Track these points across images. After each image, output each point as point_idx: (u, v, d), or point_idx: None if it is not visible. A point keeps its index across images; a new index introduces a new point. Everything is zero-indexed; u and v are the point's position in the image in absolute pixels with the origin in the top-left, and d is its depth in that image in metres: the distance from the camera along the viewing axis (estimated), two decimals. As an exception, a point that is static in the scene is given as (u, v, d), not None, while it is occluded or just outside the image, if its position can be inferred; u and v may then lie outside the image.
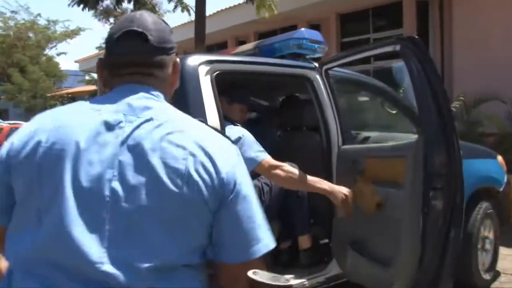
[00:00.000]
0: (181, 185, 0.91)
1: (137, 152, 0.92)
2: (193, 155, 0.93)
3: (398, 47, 2.22)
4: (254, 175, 2.70)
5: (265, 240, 0.98)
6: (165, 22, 1.10)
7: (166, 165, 0.91)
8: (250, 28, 12.09)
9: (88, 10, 9.59)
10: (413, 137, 3.67)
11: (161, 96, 1.05)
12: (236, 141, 2.45)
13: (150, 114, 0.98)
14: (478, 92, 6.92)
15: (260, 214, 0.99)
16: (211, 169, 0.94)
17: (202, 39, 8.40)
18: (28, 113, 26.96)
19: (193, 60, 2.44)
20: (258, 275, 0.92)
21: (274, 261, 2.86)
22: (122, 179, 0.90)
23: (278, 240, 2.88)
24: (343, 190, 2.36)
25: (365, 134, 3.85)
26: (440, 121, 2.08)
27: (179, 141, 0.94)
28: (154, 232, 0.90)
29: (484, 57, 7.54)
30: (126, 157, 0.92)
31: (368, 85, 3.50)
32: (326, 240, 2.95)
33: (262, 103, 3.96)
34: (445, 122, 2.08)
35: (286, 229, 2.90)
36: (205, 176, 0.93)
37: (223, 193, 0.94)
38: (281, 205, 2.80)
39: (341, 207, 2.36)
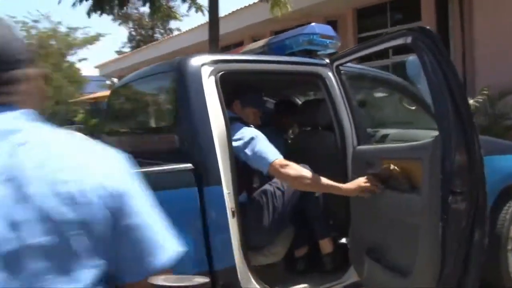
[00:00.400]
0: (68, 212, 0.79)
1: (13, 183, 0.79)
2: (75, 177, 0.83)
3: (409, 39, 2.06)
4: (266, 179, 2.58)
5: (168, 246, 0.91)
6: (15, 30, 0.94)
7: (48, 193, 0.79)
8: (266, 27, 11.97)
9: (108, 14, 9.56)
10: (434, 134, 3.52)
11: (29, 114, 0.90)
12: (248, 143, 2.38)
13: (21, 138, 0.84)
14: (503, 84, 6.66)
15: (158, 221, 0.91)
16: (97, 189, 0.83)
17: (216, 40, 8.31)
18: (51, 120, 27.44)
19: (196, 61, 2.32)
20: (163, 280, 0.85)
21: (290, 269, 2.74)
22: (0, 217, 0.77)
23: (293, 247, 2.75)
24: (360, 183, 2.29)
25: (383, 131, 3.69)
26: (457, 119, 1.91)
27: (59, 165, 0.83)
28: (47, 274, 0.78)
29: (508, 49, 7.27)
30: (1, 192, 0.78)
31: (385, 80, 3.32)
32: (344, 240, 2.82)
33: (272, 101, 3.82)
34: (463, 119, 1.91)
35: (302, 235, 2.77)
36: (92, 198, 0.82)
37: (114, 210, 0.84)
38: (296, 210, 2.67)
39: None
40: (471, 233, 1.91)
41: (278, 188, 2.55)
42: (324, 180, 2.32)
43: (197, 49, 13.66)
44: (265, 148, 2.37)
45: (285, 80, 3.08)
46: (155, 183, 2.01)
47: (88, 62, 44.41)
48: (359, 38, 10.68)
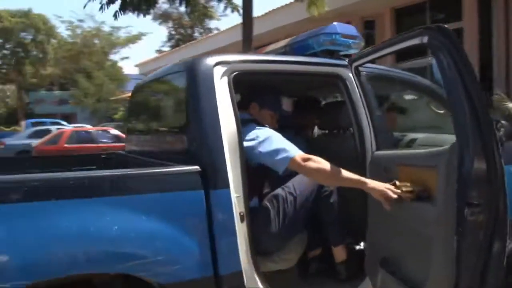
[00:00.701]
0: None
1: None
2: None
3: (425, 39, 1.94)
4: (279, 183, 2.52)
5: None
6: None
7: None
8: (302, 27, 11.81)
9: (144, 14, 9.66)
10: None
11: None
12: (263, 141, 2.33)
13: None
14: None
15: None
16: None
17: (249, 39, 8.28)
18: (93, 117, 28.25)
19: (208, 61, 2.28)
20: None
21: (302, 275, 2.66)
22: None
23: (306, 249, 2.67)
24: (385, 187, 2.12)
25: (411, 136, 3.55)
26: (475, 124, 1.78)
27: None
28: None
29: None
30: None
31: (410, 82, 3.17)
32: (362, 245, 2.71)
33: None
34: (482, 125, 1.78)
35: (316, 239, 2.69)
36: None
37: None
38: (309, 215, 2.59)
39: (383, 201, 2.12)
40: (490, 245, 1.78)
41: (290, 193, 2.48)
42: (349, 173, 2.20)
43: (234, 49, 13.70)
44: (283, 145, 2.30)
45: (303, 81, 3.00)
46: (162, 185, 2.02)
47: (130, 61, 45.49)
48: (397, 39, 10.41)
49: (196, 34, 30.35)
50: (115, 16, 8.58)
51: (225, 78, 2.28)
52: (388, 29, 10.42)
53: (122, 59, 37.28)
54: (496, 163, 1.75)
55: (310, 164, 2.21)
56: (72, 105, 30.55)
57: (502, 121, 2.93)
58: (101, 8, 8.53)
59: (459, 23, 9.07)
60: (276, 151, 2.28)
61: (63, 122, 22.72)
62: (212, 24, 30.01)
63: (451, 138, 3.48)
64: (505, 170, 2.93)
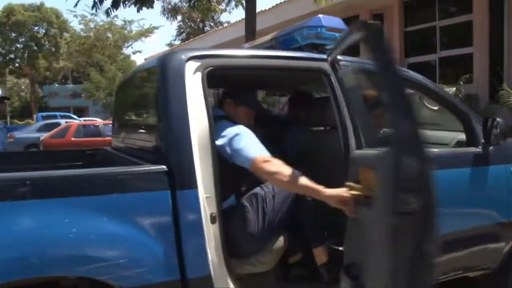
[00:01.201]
0: None
1: None
2: None
3: (360, 35, 1.89)
4: (258, 182, 2.43)
5: None
6: None
7: None
8: (309, 20, 11.70)
9: (147, 8, 9.59)
10: (460, 136, 3.20)
11: None
12: (232, 139, 2.25)
13: None
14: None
15: None
16: None
17: (253, 33, 8.17)
18: (104, 110, 28.42)
19: (180, 56, 2.19)
20: None
21: (282, 278, 2.57)
22: None
23: (286, 253, 2.57)
24: (341, 192, 2.06)
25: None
26: (406, 127, 1.70)
27: None
28: None
29: None
30: None
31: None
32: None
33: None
34: (413, 128, 1.70)
35: (297, 241, 2.59)
36: None
37: None
38: (289, 215, 2.49)
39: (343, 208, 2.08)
40: (421, 253, 1.70)
41: (269, 192, 2.38)
42: (305, 181, 2.11)
43: (242, 43, 13.59)
44: (248, 144, 2.23)
45: (285, 76, 2.89)
46: (126, 185, 1.95)
47: (143, 55, 45.68)
48: (406, 32, 10.21)
49: (207, 28, 30.26)
50: (107, 13, 8.53)
51: (199, 74, 2.19)
52: (397, 22, 10.20)
53: (135, 53, 37.41)
54: (424, 167, 1.67)
55: (268, 166, 2.13)
56: (84, 98, 30.75)
57: (498, 119, 2.79)
58: (93, 6, 8.45)
59: (469, 15, 8.85)
60: (241, 150, 2.21)
61: (73, 116, 22.89)
62: (223, 17, 29.89)
63: (447, 136, 3.35)
64: (502, 169, 2.85)
